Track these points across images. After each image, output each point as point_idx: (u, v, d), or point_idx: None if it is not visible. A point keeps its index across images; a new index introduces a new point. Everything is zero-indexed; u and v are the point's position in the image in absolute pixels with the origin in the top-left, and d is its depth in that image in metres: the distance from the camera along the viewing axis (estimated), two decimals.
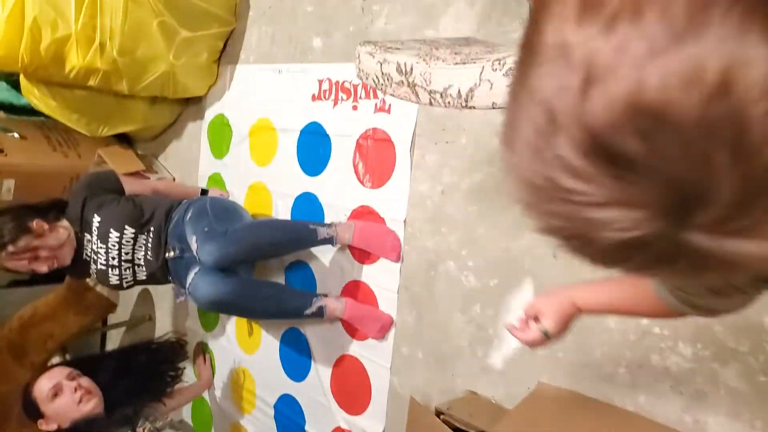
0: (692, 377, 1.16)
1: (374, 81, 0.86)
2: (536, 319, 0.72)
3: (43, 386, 1.77)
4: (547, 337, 0.72)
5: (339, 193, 1.91)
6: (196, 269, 1.76)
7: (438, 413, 1.43)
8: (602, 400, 1.30)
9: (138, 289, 2.96)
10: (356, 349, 1.86)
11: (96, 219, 1.93)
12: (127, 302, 3.00)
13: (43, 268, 1.86)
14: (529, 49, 0.33)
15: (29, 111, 2.51)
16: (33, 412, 1.77)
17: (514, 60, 0.35)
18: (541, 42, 0.32)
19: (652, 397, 1.22)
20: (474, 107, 0.72)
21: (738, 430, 1.10)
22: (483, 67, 0.69)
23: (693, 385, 1.16)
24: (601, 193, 0.30)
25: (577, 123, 0.30)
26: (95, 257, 1.97)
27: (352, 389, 1.89)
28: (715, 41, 0.27)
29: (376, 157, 1.78)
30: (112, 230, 1.91)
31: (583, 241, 0.33)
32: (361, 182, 1.83)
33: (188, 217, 1.88)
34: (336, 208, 1.91)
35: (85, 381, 1.83)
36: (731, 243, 0.30)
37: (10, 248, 1.79)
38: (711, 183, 0.28)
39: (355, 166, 1.84)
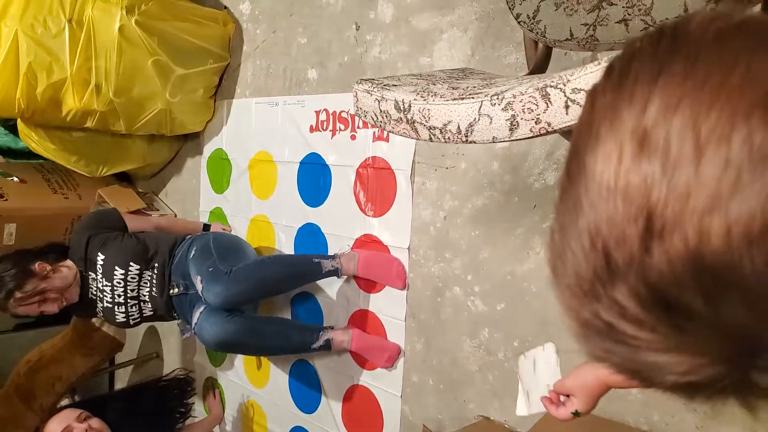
0: None
1: (373, 118, 0.87)
2: (567, 395, 0.74)
3: (53, 429, 1.76)
4: (576, 416, 0.74)
5: (341, 222, 1.91)
6: (202, 308, 1.76)
7: None
8: (617, 420, 1.29)
9: (144, 326, 2.95)
10: (366, 379, 1.85)
11: (100, 257, 1.93)
12: (133, 340, 2.99)
13: (53, 309, 1.84)
14: (576, 181, 0.32)
15: (28, 154, 2.52)
16: None
17: (558, 186, 0.35)
18: (588, 176, 0.31)
19: (666, 415, 1.22)
20: (475, 141, 0.73)
21: None
22: (481, 102, 0.70)
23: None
24: (660, 340, 0.30)
25: (636, 275, 0.29)
26: (101, 295, 1.97)
27: (363, 419, 1.87)
28: None
29: (376, 185, 1.79)
30: (117, 267, 1.91)
31: (642, 378, 0.33)
32: (363, 211, 1.84)
33: (191, 255, 1.88)
34: (339, 238, 1.92)
35: (96, 422, 1.82)
36: None
37: (18, 294, 1.78)
38: None
39: (356, 195, 1.85)
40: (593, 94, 0.34)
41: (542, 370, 0.91)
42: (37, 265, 1.83)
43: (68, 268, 1.91)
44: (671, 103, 0.29)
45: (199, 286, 1.76)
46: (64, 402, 2.49)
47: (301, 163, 2.05)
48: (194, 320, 1.76)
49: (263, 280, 1.76)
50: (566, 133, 1.10)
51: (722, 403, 0.32)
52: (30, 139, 2.27)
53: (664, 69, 0.30)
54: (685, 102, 0.28)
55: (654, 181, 0.28)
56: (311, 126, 1.99)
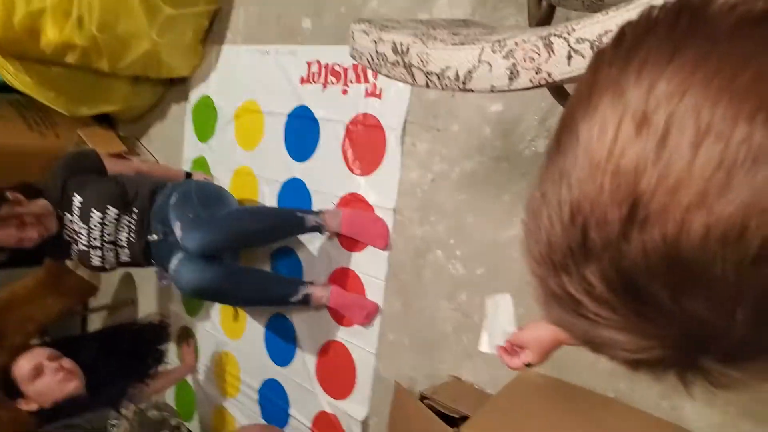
0: None
1: (369, 61, 0.85)
2: (520, 348, 0.81)
3: (23, 366, 1.74)
4: (528, 367, 0.81)
5: (327, 179, 1.89)
6: (180, 255, 1.74)
7: (422, 398, 1.44)
8: (584, 387, 1.32)
9: (120, 272, 2.93)
10: (342, 335, 1.86)
11: (77, 198, 1.89)
12: (108, 286, 2.97)
13: (32, 234, 1.79)
14: (566, 150, 0.32)
15: (3, 88, 2.43)
16: (12, 391, 1.74)
17: (547, 150, 0.34)
18: (580, 147, 0.31)
19: (631, 383, 1.24)
20: (472, 90, 0.71)
21: (712, 415, 1.12)
22: (482, 48, 0.69)
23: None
24: (619, 320, 0.31)
25: (610, 259, 0.29)
26: (76, 237, 1.93)
27: (337, 374, 1.89)
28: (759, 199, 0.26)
29: (365, 143, 1.77)
30: (94, 210, 1.88)
31: (594, 348, 0.35)
32: (351, 169, 1.82)
33: (172, 201, 1.85)
34: (324, 195, 1.90)
35: (67, 362, 1.81)
36: (739, 366, 0.31)
37: None
38: (729, 329, 0.29)
39: (344, 153, 1.83)
40: (599, 61, 0.33)
41: (502, 316, 0.98)
42: (9, 193, 1.79)
43: (42, 204, 1.87)
44: (678, 91, 0.28)
45: (178, 233, 1.74)
46: (34, 342, 2.47)
47: (289, 115, 2.01)
48: (172, 266, 1.74)
49: (244, 229, 1.74)
50: (561, 96, 1.09)
51: (663, 374, 0.34)
52: (6, 70, 2.19)
53: (677, 53, 0.29)
54: (691, 92, 0.28)
55: (646, 167, 0.28)
56: (302, 77, 1.95)
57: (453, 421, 1.35)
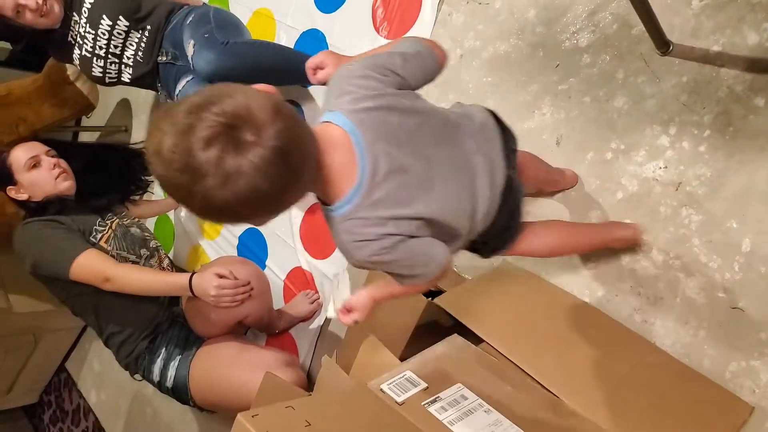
0: (655, 282, 1.20)
1: None
2: (351, 309, 1.03)
3: (20, 155, 1.71)
4: (357, 323, 1.02)
5: (349, 36, 1.81)
6: (189, 78, 1.68)
7: None
8: (564, 289, 1.34)
9: (117, 96, 2.86)
10: None
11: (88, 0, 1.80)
12: (104, 109, 2.91)
13: (30, 3, 1.72)
14: None
15: None
16: (4, 177, 1.73)
17: None
18: None
19: (610, 293, 1.27)
20: None
21: (681, 335, 1.16)
22: None
23: (653, 290, 1.20)
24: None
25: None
26: (81, 42, 1.85)
27: (320, 236, 1.91)
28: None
29: (399, 4, 1.67)
30: (104, 17, 1.79)
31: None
32: (377, 29, 1.73)
33: (188, 21, 1.76)
34: (342, 52, 1.82)
35: (63, 163, 1.79)
36: None
37: None
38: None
39: (374, 11, 1.74)
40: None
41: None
42: None
43: None
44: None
45: (190, 51, 1.66)
46: None
47: None
48: (179, 88, 1.68)
49: (259, 62, 1.66)
50: None
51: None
52: None
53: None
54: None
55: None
56: None
57: (427, 294, 1.38)
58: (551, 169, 1.29)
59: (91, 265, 1.54)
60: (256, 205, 0.68)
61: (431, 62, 0.90)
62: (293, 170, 0.69)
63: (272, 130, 0.65)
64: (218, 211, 0.68)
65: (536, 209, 1.36)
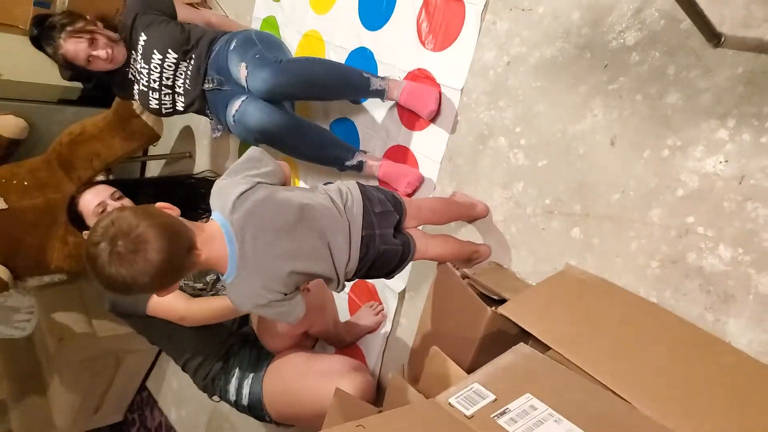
0: (725, 279, 1.17)
1: None
2: None
3: (89, 201, 1.85)
4: None
5: (397, 51, 1.84)
6: (243, 97, 1.74)
7: (464, 277, 1.48)
8: (627, 289, 1.32)
9: (180, 125, 3.01)
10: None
11: (142, 37, 1.91)
12: (169, 137, 3.06)
13: (102, 53, 1.86)
14: None
15: None
16: (79, 223, 1.87)
17: None
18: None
19: (678, 293, 1.24)
20: None
21: (757, 334, 1.12)
22: None
23: (723, 287, 1.17)
24: None
25: None
26: (138, 77, 1.97)
27: None
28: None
29: (443, 17, 1.70)
30: (155, 51, 1.89)
31: None
32: (423, 43, 1.76)
33: (232, 46, 1.83)
34: (392, 68, 1.86)
35: (128, 202, 1.91)
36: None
37: (69, 28, 1.82)
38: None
39: (419, 25, 1.77)
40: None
41: None
42: (88, 15, 1.86)
43: (116, 34, 1.91)
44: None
45: (243, 73, 1.72)
46: (100, 178, 2.61)
47: None
48: (235, 108, 1.73)
49: (312, 78, 1.71)
50: None
51: None
52: None
53: None
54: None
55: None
56: None
57: (491, 303, 1.39)
58: (461, 215, 1.61)
59: (166, 304, 1.63)
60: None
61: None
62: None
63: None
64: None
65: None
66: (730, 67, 1.15)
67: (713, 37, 1.12)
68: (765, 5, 1.10)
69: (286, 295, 1.14)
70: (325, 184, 1.32)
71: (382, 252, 1.27)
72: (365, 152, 1.88)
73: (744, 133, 1.13)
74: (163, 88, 1.96)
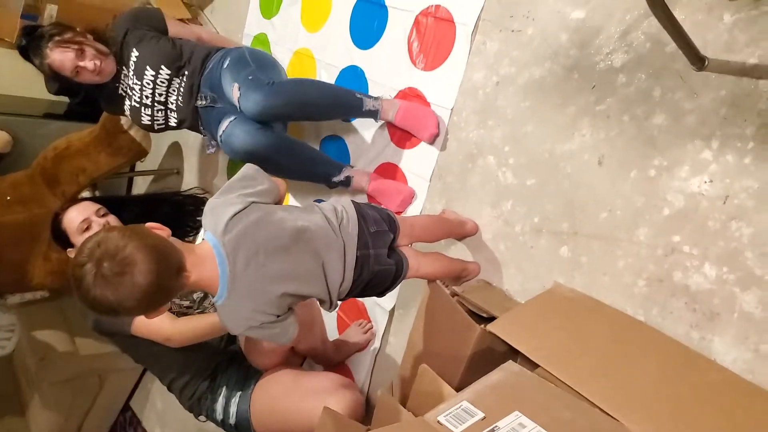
0: (710, 298, 1.18)
1: None
2: None
3: (73, 218, 1.80)
4: None
5: (388, 70, 1.87)
6: (232, 118, 1.74)
7: (453, 295, 1.48)
8: (614, 307, 1.33)
9: (169, 140, 3.00)
10: None
11: (134, 53, 1.91)
12: (157, 153, 3.05)
13: (89, 65, 1.84)
14: None
15: None
16: (63, 241, 1.83)
17: None
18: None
19: (665, 311, 1.25)
20: None
21: (741, 352, 1.14)
22: None
23: (709, 306, 1.19)
24: None
25: None
26: (130, 93, 1.96)
27: None
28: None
29: (434, 37, 1.72)
30: (148, 68, 1.89)
31: None
32: (413, 62, 1.78)
33: (225, 64, 1.84)
34: (382, 87, 1.88)
35: (113, 219, 1.87)
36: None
37: (57, 38, 1.81)
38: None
39: (410, 44, 1.79)
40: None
41: None
42: (77, 27, 1.86)
43: (106, 47, 1.91)
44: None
45: (236, 94, 1.73)
46: (85, 194, 2.59)
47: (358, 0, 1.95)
48: (222, 128, 1.74)
49: (305, 99, 1.71)
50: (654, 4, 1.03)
51: None
52: None
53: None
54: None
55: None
56: None
57: (480, 321, 1.39)
58: (451, 232, 1.62)
59: (152, 324, 1.58)
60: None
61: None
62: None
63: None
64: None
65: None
66: (713, 89, 1.17)
67: (697, 60, 1.15)
68: (747, 31, 1.13)
69: (278, 316, 1.13)
70: (317, 201, 1.31)
71: (377, 272, 1.27)
72: (352, 167, 1.89)
73: (728, 154, 1.16)
74: (155, 104, 1.95)
